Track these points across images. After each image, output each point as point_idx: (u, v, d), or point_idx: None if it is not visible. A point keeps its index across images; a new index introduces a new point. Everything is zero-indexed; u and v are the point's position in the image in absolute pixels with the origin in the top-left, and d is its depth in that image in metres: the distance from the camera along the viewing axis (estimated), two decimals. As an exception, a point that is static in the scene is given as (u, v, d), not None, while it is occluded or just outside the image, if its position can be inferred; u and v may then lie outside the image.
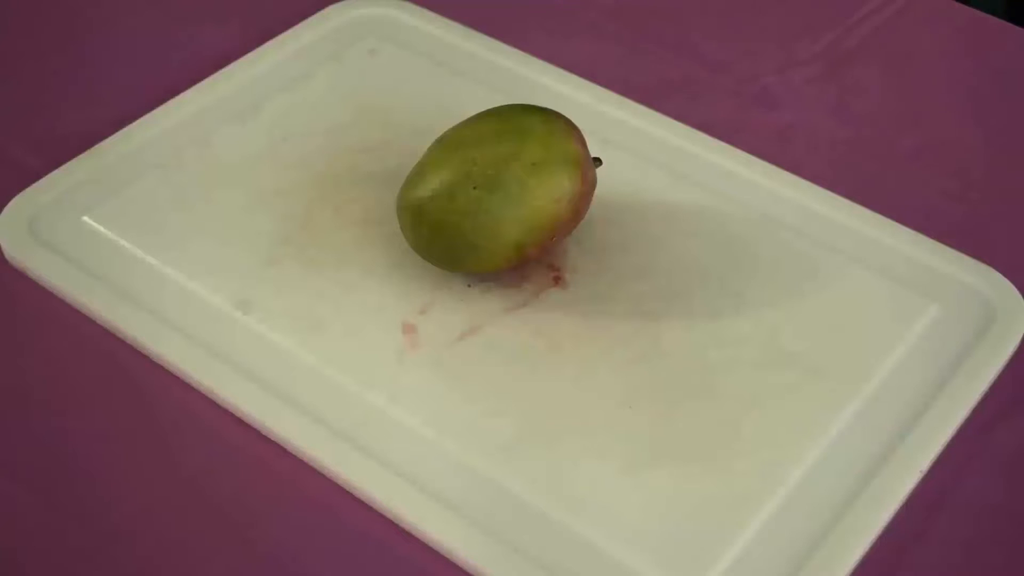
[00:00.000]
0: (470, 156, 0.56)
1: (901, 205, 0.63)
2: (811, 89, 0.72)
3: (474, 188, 0.55)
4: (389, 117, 0.67)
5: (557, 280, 0.59)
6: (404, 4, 0.75)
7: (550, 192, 0.55)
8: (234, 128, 0.67)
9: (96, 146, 0.66)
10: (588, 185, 0.57)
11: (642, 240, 0.61)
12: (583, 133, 0.57)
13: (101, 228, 0.62)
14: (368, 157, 0.65)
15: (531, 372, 0.56)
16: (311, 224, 0.61)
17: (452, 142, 0.57)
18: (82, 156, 0.65)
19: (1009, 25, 0.77)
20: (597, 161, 0.58)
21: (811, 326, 0.57)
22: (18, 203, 0.63)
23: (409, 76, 0.71)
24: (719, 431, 0.54)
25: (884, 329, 0.57)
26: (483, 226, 0.55)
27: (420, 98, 0.69)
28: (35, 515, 0.52)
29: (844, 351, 0.56)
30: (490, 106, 0.59)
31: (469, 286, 0.59)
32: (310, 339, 0.57)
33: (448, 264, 0.58)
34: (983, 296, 0.59)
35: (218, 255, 0.60)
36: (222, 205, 0.63)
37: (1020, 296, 0.59)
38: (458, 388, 0.55)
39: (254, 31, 0.73)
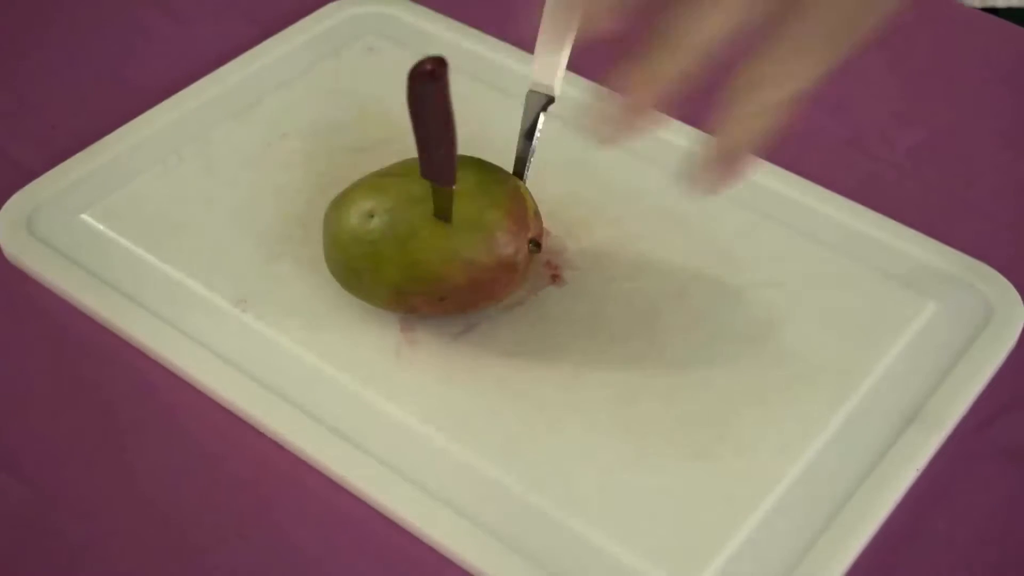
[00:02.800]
0: (389, 185, 0.55)
1: (901, 205, 0.63)
2: (811, 89, 0.72)
3: (371, 216, 0.54)
4: (388, 115, 0.67)
5: (555, 278, 0.59)
6: (403, 1, 0.75)
7: (441, 247, 0.53)
8: (233, 125, 0.67)
9: (95, 143, 0.66)
10: (497, 262, 0.53)
11: (641, 239, 0.61)
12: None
13: (100, 226, 0.62)
14: (367, 155, 0.65)
15: (529, 370, 0.56)
16: (310, 222, 0.61)
17: (396, 167, 0.56)
18: (80, 154, 0.65)
19: (1009, 25, 0.77)
20: (535, 246, 0.55)
21: (810, 324, 0.57)
22: (16, 201, 0.63)
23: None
24: (717, 429, 0.54)
25: (882, 327, 0.57)
26: (366, 255, 0.54)
27: (419, 96, 0.69)
28: (34, 515, 0.52)
29: (842, 349, 0.56)
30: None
31: (467, 284, 0.59)
32: (308, 337, 0.57)
33: (342, 280, 0.56)
34: (981, 294, 0.59)
35: (217, 253, 0.60)
36: (221, 203, 0.63)
37: (1018, 294, 0.59)
38: (456, 386, 0.55)
39: (253, 28, 0.73)
